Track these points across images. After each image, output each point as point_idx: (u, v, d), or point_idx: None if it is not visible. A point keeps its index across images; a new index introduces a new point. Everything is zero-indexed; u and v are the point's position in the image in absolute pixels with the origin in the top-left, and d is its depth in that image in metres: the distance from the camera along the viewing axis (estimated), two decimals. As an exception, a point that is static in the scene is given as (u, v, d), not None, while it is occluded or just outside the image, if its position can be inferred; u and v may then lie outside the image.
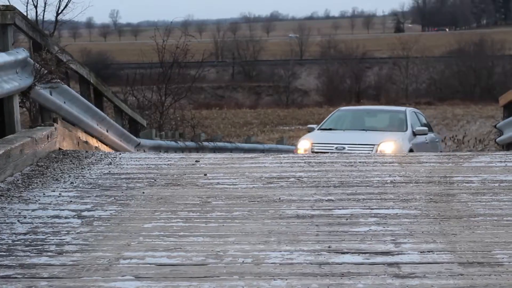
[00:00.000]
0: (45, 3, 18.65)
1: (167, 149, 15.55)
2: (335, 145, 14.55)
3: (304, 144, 15.12)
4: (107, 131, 11.78)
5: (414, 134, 15.69)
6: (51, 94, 9.24)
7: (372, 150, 14.15)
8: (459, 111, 63.01)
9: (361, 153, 12.94)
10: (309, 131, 16.15)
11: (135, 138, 13.67)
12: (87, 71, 11.02)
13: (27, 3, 18.52)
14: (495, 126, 15.35)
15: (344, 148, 14.33)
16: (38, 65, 8.64)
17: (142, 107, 21.01)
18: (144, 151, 13.81)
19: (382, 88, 75.47)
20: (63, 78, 9.48)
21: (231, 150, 18.89)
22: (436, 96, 71.62)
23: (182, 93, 22.90)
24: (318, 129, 16.13)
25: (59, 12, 18.51)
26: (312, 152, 14.23)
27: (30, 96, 8.62)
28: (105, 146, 11.58)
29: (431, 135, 16.91)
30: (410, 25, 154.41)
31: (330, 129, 15.94)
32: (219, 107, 63.55)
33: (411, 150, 14.26)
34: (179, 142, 16.97)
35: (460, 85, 73.62)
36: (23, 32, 8.85)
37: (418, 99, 71.11)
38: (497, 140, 14.82)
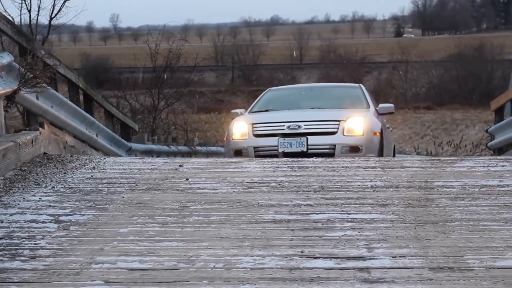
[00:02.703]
0: (38, 7, 18.68)
1: (159, 154, 15.58)
2: (287, 124, 11.44)
3: (240, 127, 11.81)
4: (96, 136, 11.79)
5: (378, 113, 12.56)
6: (37, 99, 9.25)
7: (337, 127, 11.37)
8: (458, 116, 63.08)
9: (323, 131, 11.36)
10: (233, 118, 12.56)
11: (126, 142, 13.67)
12: (75, 76, 11.04)
13: (21, 7, 18.55)
14: (486, 131, 15.38)
15: (299, 126, 11.35)
16: (23, 69, 8.64)
17: (134, 111, 21.05)
18: (136, 156, 13.82)
19: (381, 93, 75.34)
20: (49, 83, 9.48)
21: (224, 154, 18.87)
22: (435, 101, 71.63)
23: (175, 97, 22.93)
24: (249, 113, 12.69)
25: (53, 16, 18.52)
26: (254, 136, 11.55)
27: (15, 100, 8.63)
28: (94, 150, 11.59)
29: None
30: (410, 30, 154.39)
31: (266, 111, 12.61)
32: (218, 111, 63.54)
33: (381, 131, 11.84)
34: (171, 146, 16.98)
35: (460, 89, 73.61)
36: (8, 37, 8.86)
37: (417, 104, 71.14)
38: (488, 144, 14.84)
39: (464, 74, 74.78)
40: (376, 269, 4.36)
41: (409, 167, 8.26)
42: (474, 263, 4.44)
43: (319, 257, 4.60)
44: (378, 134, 11.66)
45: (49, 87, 9.44)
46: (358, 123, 11.51)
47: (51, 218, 5.77)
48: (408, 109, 68.07)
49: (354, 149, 11.31)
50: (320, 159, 8.93)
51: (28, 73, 8.59)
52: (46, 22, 19.28)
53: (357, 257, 4.60)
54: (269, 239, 5.07)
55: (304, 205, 6.17)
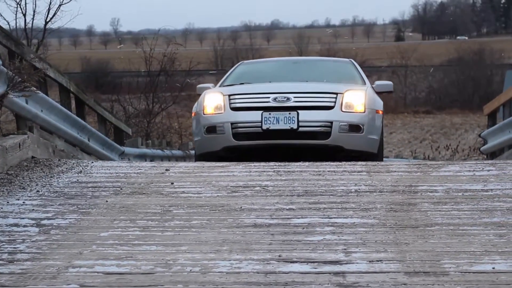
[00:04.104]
0: (33, 11, 18.75)
1: (153, 158, 15.59)
2: (273, 95, 9.71)
3: (214, 100, 9.92)
4: (88, 140, 11.80)
5: (375, 91, 10.77)
6: (27, 103, 9.27)
7: (334, 101, 9.76)
8: (457, 120, 63.19)
9: (317, 105, 9.83)
10: (199, 93, 10.63)
11: (119, 146, 13.68)
12: (66, 80, 11.06)
13: (16, 11, 18.64)
14: (479, 135, 15.42)
15: (288, 99, 9.67)
16: (11, 73, 8.65)
17: (129, 115, 21.12)
18: (129, 160, 13.84)
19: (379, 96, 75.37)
20: (38, 87, 9.49)
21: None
22: (434, 105, 71.72)
23: (169, 101, 23.00)
24: (221, 86, 10.72)
25: (48, 20, 18.59)
26: (232, 109, 9.81)
27: (3, 104, 8.64)
28: (86, 154, 11.61)
29: None
30: (410, 34, 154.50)
31: (241, 84, 10.69)
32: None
33: (383, 111, 10.50)
34: (165, 150, 16.98)
35: (459, 94, 73.66)
36: (-4, 41, 8.88)
37: (416, 108, 71.22)
38: (481, 149, 14.87)
39: (463, 78, 74.84)
40: (351, 273, 4.37)
41: (395, 171, 8.24)
42: (450, 267, 4.44)
43: (296, 261, 4.61)
44: (380, 112, 10.29)
45: (38, 91, 9.46)
46: (359, 97, 9.92)
47: (33, 222, 5.77)
48: (408, 113, 68.15)
49: (354, 128, 9.81)
50: (307, 163, 8.83)
51: (16, 77, 8.60)
52: (42, 26, 19.35)
53: (334, 261, 4.61)
54: (248, 243, 5.07)
55: (287, 210, 6.17)
